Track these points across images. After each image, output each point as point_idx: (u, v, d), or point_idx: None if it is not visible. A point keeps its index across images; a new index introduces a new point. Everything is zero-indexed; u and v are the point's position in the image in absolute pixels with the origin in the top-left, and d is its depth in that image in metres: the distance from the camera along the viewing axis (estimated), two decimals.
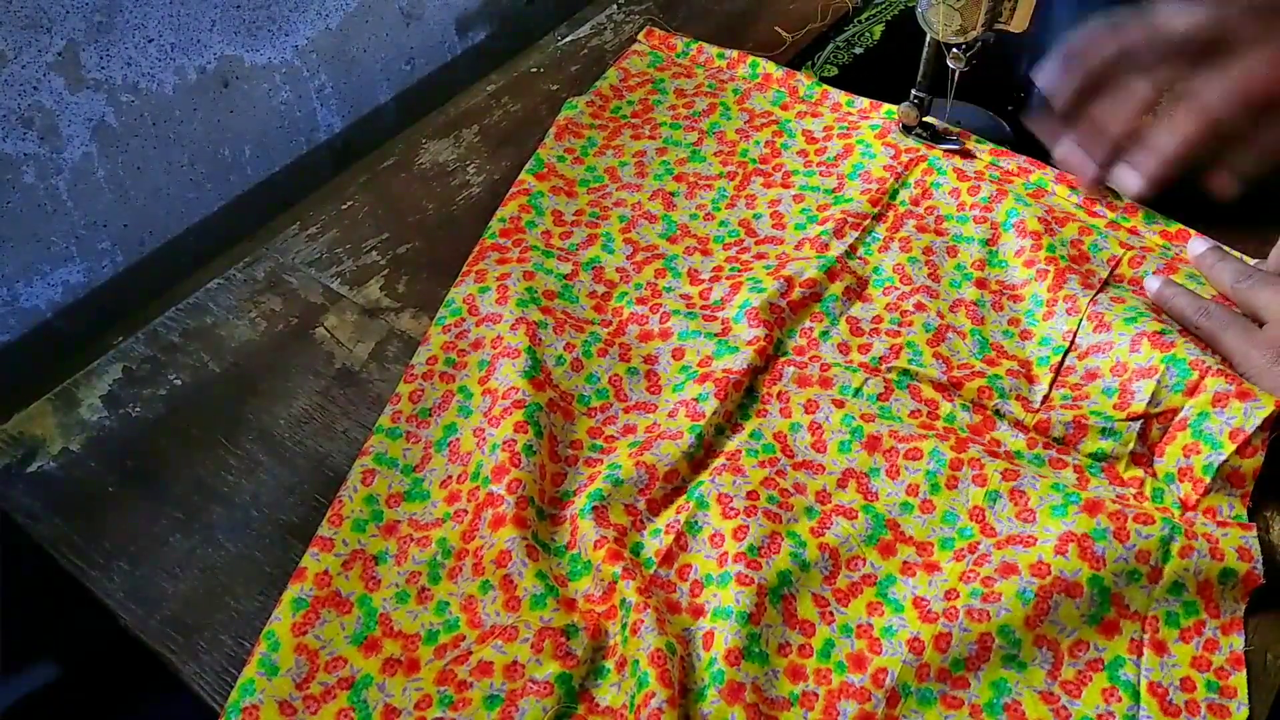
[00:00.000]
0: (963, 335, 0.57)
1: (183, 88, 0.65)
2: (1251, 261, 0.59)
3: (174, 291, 0.63)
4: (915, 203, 0.65)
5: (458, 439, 0.54)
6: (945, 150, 0.68)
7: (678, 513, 0.50)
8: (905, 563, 0.48)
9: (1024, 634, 0.45)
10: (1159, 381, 0.52)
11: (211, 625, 0.48)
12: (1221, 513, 0.49)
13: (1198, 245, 0.60)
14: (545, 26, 0.82)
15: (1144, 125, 0.60)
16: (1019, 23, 0.62)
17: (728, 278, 0.61)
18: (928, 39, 0.64)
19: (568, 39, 0.80)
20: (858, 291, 0.60)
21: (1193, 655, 0.45)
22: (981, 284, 0.60)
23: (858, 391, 0.54)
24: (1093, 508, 0.48)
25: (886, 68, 0.74)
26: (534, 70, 0.78)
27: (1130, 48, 0.60)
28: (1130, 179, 0.61)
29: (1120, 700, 0.44)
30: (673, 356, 0.57)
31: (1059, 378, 0.55)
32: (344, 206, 0.68)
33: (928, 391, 0.54)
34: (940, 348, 0.56)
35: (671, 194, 0.67)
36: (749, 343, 0.56)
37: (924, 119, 0.69)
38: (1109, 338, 0.55)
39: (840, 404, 0.54)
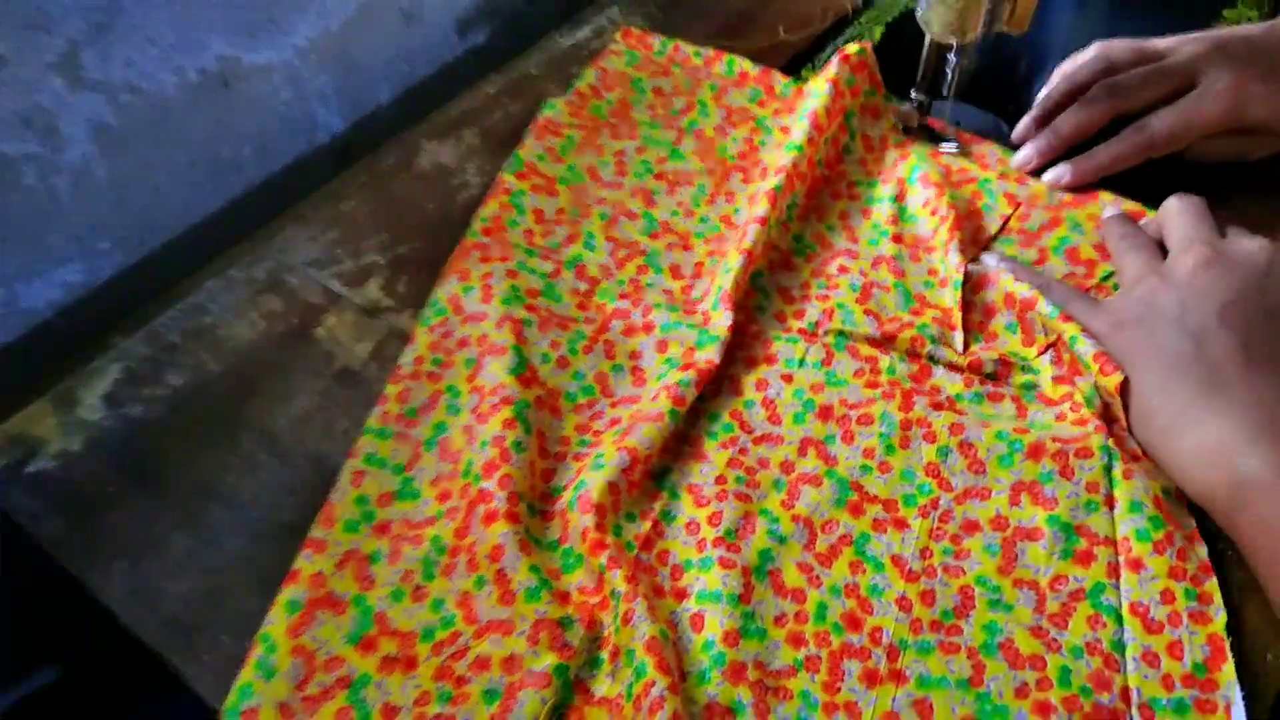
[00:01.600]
0: (887, 290, 0.60)
1: (183, 88, 0.65)
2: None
3: (174, 291, 0.63)
4: (830, 165, 0.67)
5: (447, 437, 0.54)
6: (945, 151, 0.68)
7: (652, 500, 0.51)
8: (875, 520, 0.50)
9: (1000, 580, 0.48)
10: (1042, 311, 0.56)
11: (211, 625, 0.48)
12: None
13: (1110, 210, 0.63)
14: (546, 28, 0.82)
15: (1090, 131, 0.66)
16: (1019, 23, 0.62)
17: (709, 273, 0.62)
18: (928, 39, 0.64)
19: (568, 40, 0.80)
20: (783, 262, 0.62)
21: (1169, 565, 0.47)
22: (898, 239, 0.63)
23: (802, 362, 0.56)
24: (1035, 452, 0.51)
25: (886, 68, 0.74)
26: (534, 72, 0.78)
27: (1111, 67, 0.65)
28: (1059, 173, 0.66)
29: (1105, 626, 0.46)
30: (657, 349, 0.57)
31: (967, 317, 0.58)
32: (344, 207, 0.68)
33: (865, 349, 0.57)
34: (869, 304, 0.59)
35: (652, 191, 0.67)
36: (728, 329, 0.57)
37: (924, 120, 0.69)
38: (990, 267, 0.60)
39: (789, 378, 0.56)
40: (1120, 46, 0.67)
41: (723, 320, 0.57)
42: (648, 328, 0.58)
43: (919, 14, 0.63)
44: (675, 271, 0.62)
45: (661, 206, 0.66)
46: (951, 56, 0.64)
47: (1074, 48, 0.68)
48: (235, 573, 0.50)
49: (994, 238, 0.62)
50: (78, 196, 0.62)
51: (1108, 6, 0.84)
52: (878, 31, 0.81)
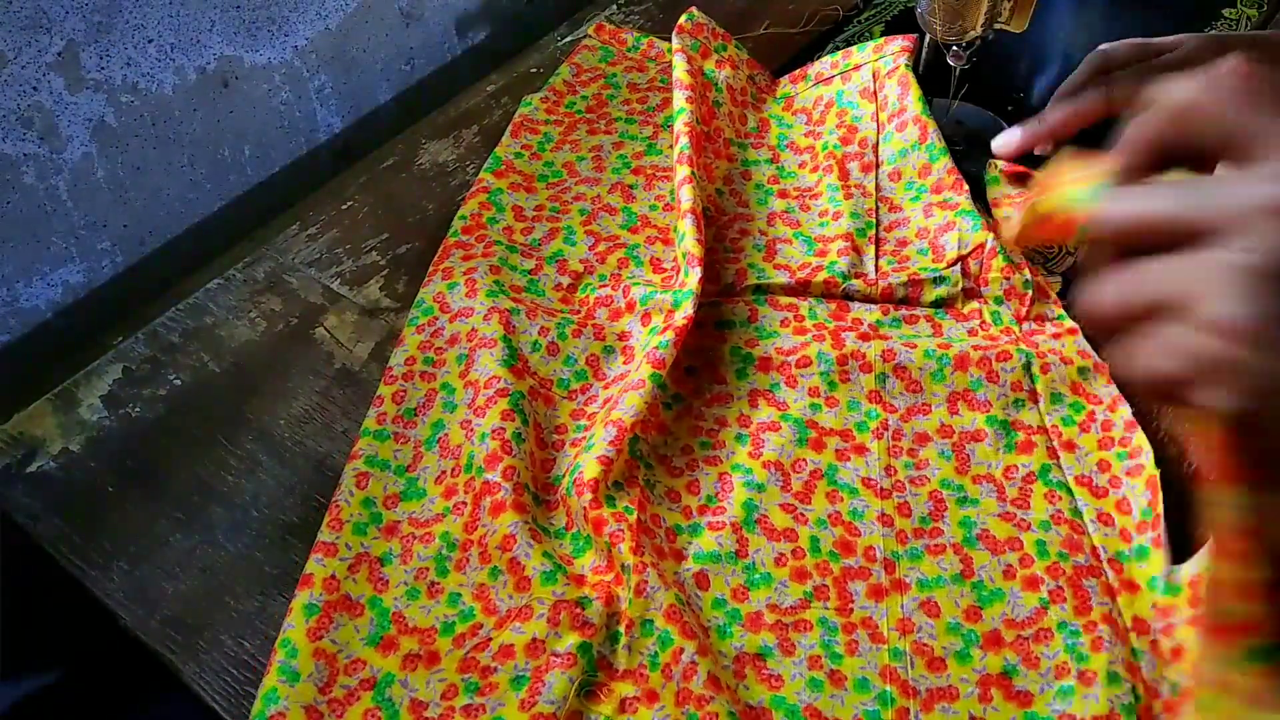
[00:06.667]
0: (789, 242, 0.63)
1: (183, 88, 0.65)
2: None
3: (174, 291, 0.63)
4: (706, 120, 0.67)
5: (446, 435, 0.54)
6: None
7: (633, 469, 0.51)
8: (837, 450, 0.53)
9: (961, 479, 0.52)
10: (959, 229, 0.60)
11: (211, 625, 0.48)
12: (1050, 315, 0.58)
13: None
14: (545, 26, 0.82)
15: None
16: (1019, 23, 0.62)
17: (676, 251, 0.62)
18: (927, 39, 0.64)
19: (568, 39, 0.80)
20: (662, 239, 0.64)
21: (1097, 440, 0.53)
22: (784, 194, 0.66)
23: (730, 323, 0.58)
24: (961, 363, 0.55)
25: None
26: (534, 70, 0.78)
27: (1109, 64, 0.61)
28: (1009, 136, 0.64)
29: (1061, 498, 0.51)
30: (641, 323, 0.58)
31: (879, 249, 0.62)
32: (344, 206, 0.68)
33: (785, 299, 0.59)
34: (776, 259, 0.61)
35: (630, 186, 0.68)
36: (699, 282, 0.57)
37: None
38: (904, 215, 0.63)
39: (723, 339, 0.57)
40: (1122, 45, 0.65)
41: (693, 277, 0.57)
42: (630, 306, 0.59)
43: (919, 13, 0.62)
44: (656, 265, 0.62)
45: (640, 201, 0.67)
46: (951, 57, 0.64)
47: (1074, 48, 0.68)
48: (235, 573, 0.50)
49: (877, 164, 0.65)
50: (78, 196, 0.62)
51: (1107, 6, 0.84)
52: (877, 31, 0.81)
